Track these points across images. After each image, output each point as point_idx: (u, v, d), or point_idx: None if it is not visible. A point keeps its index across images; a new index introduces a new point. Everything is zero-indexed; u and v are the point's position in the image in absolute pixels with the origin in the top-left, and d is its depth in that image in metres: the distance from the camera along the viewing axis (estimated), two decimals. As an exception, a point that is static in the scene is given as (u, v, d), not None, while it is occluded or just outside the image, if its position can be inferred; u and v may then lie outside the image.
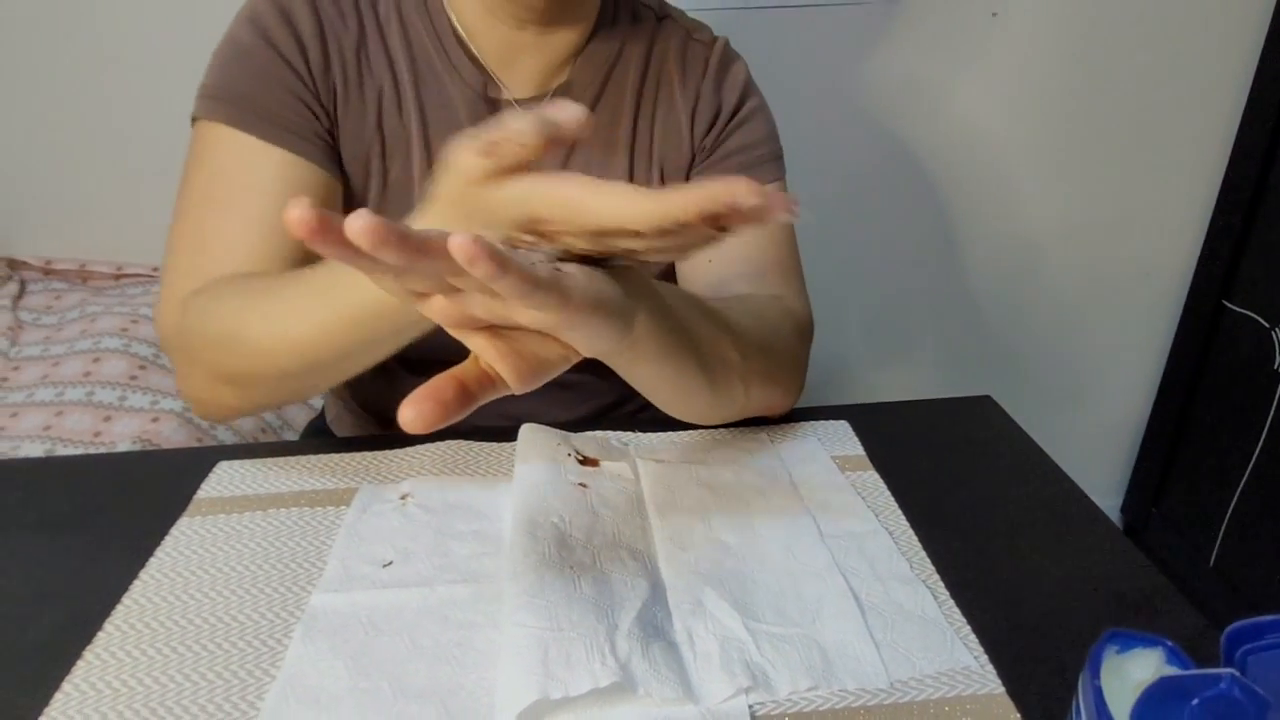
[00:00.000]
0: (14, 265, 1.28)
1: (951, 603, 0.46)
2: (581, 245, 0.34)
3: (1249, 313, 1.31)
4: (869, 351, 1.49)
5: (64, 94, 1.22)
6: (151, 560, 0.49)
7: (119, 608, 0.46)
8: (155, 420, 1.01)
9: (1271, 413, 1.26)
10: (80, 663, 0.42)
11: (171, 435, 1.00)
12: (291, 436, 1.15)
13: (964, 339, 1.49)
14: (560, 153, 0.65)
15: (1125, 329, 1.50)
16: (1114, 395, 1.56)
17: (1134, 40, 1.27)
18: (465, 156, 0.34)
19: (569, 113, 0.32)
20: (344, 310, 0.46)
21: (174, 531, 0.52)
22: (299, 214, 0.28)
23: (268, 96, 0.58)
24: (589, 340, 0.36)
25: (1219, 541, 1.38)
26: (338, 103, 0.61)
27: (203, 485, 0.56)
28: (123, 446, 0.97)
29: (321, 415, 0.85)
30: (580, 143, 0.64)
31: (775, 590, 0.46)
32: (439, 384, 0.33)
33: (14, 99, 1.21)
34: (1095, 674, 0.32)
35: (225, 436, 1.06)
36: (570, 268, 0.34)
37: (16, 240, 1.31)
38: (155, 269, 1.29)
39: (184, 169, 0.60)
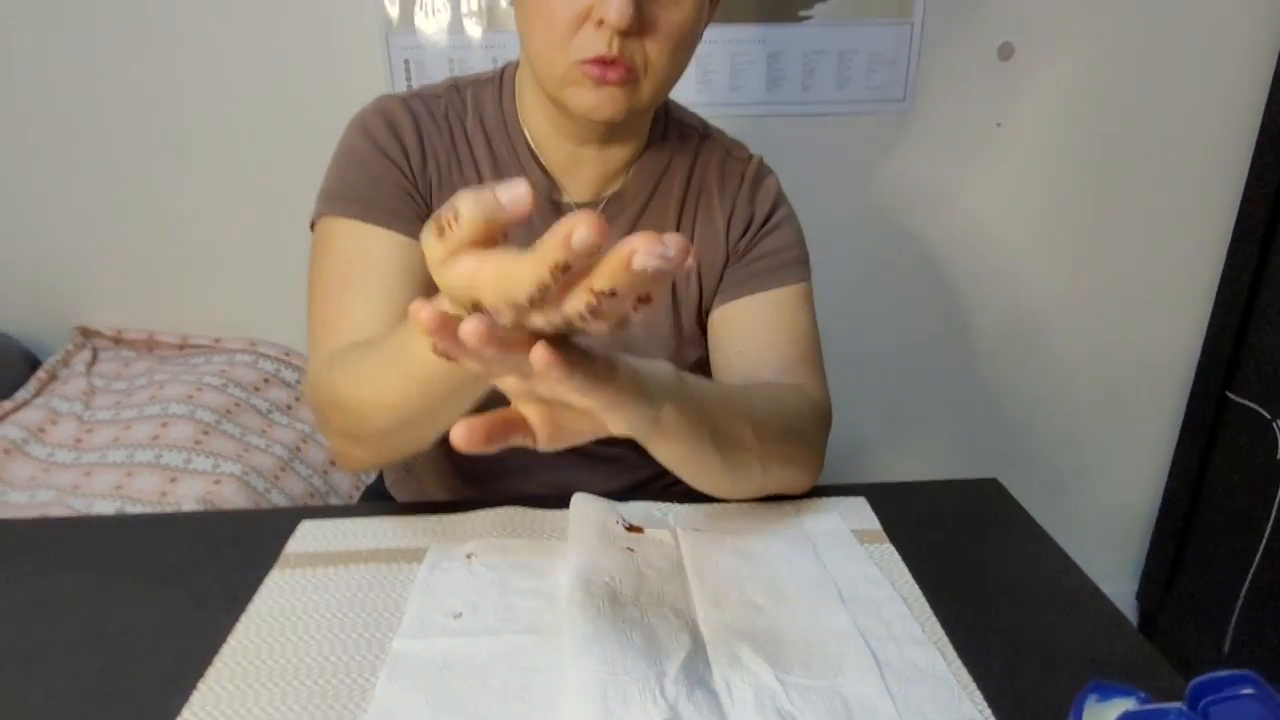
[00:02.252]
0: (87, 334, 1.38)
1: (959, 662, 0.51)
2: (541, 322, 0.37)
3: (1250, 403, 1.37)
4: (887, 433, 1.55)
5: (137, 180, 1.33)
6: (250, 607, 0.56)
7: (224, 648, 0.52)
8: (217, 483, 1.08)
9: (1276, 502, 1.31)
10: (195, 694, 0.49)
11: (231, 497, 1.07)
12: (337, 501, 1.22)
13: (977, 423, 1.55)
14: (615, 240, 0.74)
15: (1133, 417, 1.55)
16: (1125, 481, 1.61)
17: (1131, 146, 1.37)
18: (425, 238, 0.37)
19: (512, 192, 0.34)
20: (412, 372, 0.50)
21: (268, 582, 0.58)
22: (427, 314, 0.35)
23: (380, 192, 0.68)
24: (622, 421, 0.44)
25: (1231, 629, 1.40)
26: (434, 195, 0.71)
27: (290, 541, 0.63)
28: (187, 506, 1.04)
29: (379, 481, 0.93)
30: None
31: (802, 647, 0.52)
32: (491, 418, 0.42)
33: (93, 183, 1.32)
34: (1078, 718, 0.38)
35: (279, 500, 1.13)
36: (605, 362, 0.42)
37: (89, 310, 1.41)
38: (216, 340, 1.38)
39: (312, 260, 0.69)
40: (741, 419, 0.58)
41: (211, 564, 0.61)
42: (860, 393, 1.49)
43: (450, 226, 0.35)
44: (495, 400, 0.46)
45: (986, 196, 1.40)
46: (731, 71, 1.30)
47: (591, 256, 0.33)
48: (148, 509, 1.04)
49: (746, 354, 0.72)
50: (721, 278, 0.75)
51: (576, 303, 0.34)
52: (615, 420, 0.44)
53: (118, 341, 1.39)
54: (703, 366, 0.78)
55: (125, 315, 1.42)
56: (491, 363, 0.38)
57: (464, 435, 0.40)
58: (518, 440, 0.43)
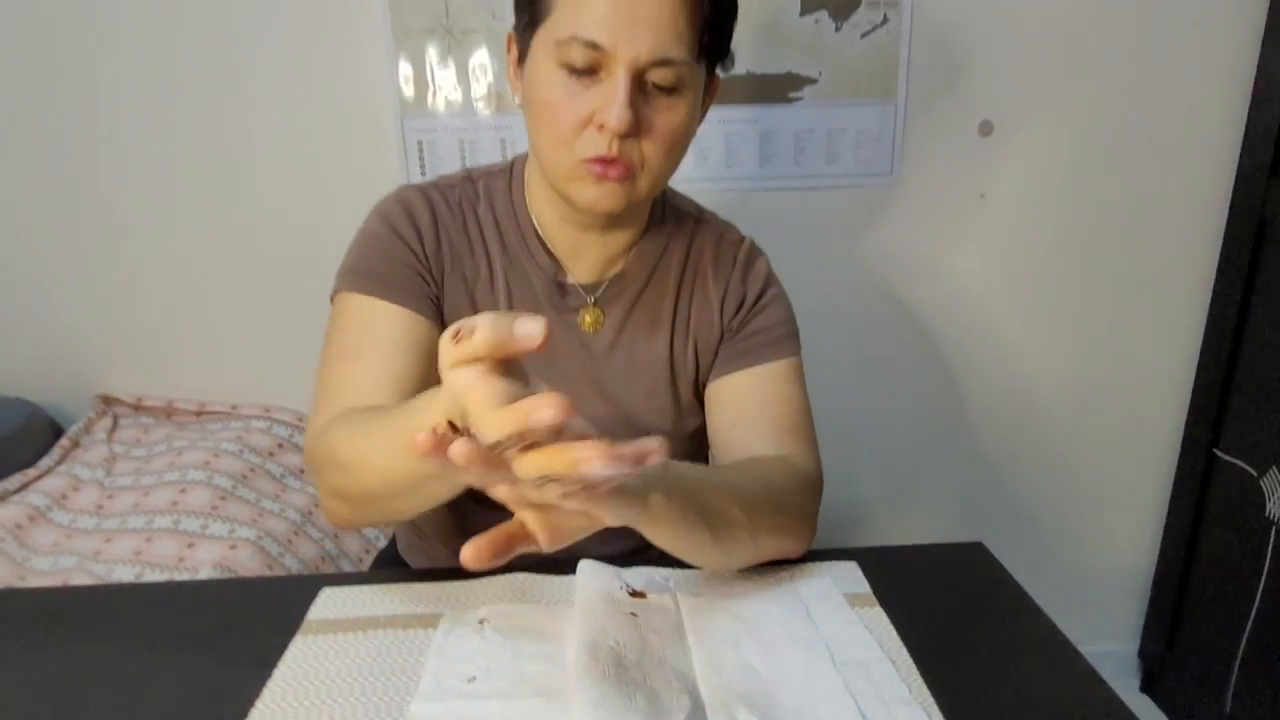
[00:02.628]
0: (108, 401, 1.43)
1: (944, 722, 0.54)
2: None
3: (1237, 461, 1.40)
4: (883, 496, 1.58)
5: (157, 253, 1.39)
6: (275, 672, 0.59)
7: (252, 712, 0.56)
8: (233, 547, 1.12)
9: (1268, 558, 1.33)
10: (226, 756, 0.52)
11: (247, 562, 1.11)
12: (348, 565, 1.25)
13: (973, 485, 1.58)
14: (614, 327, 0.79)
15: (1125, 477, 1.59)
16: (1121, 540, 1.63)
17: (1110, 214, 1.44)
18: (443, 339, 0.42)
19: (527, 327, 0.39)
20: (407, 449, 0.55)
21: (292, 647, 0.62)
22: (421, 438, 0.40)
23: (393, 271, 0.74)
24: (613, 515, 0.49)
25: (1232, 686, 1.41)
26: (445, 275, 0.76)
27: (312, 608, 0.67)
28: (204, 572, 1.07)
29: (392, 545, 0.96)
30: (632, 318, 0.79)
31: (795, 708, 0.55)
32: (493, 535, 0.46)
33: (114, 256, 1.39)
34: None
35: (292, 564, 1.16)
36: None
37: (110, 378, 1.46)
38: (233, 406, 1.43)
39: (328, 329, 0.75)
40: (728, 497, 0.63)
41: (236, 630, 0.65)
42: (855, 455, 1.53)
43: (466, 338, 0.40)
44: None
45: (973, 264, 1.46)
46: (727, 149, 1.38)
47: (553, 432, 0.39)
48: (166, 574, 1.07)
49: (740, 425, 0.76)
50: (717, 353, 0.80)
51: (528, 469, 0.40)
52: (607, 515, 0.49)
53: (138, 409, 1.44)
54: (701, 435, 0.82)
55: (145, 383, 1.47)
56: (482, 475, 0.43)
57: (472, 555, 0.45)
58: (522, 549, 0.47)
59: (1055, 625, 0.66)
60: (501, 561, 0.46)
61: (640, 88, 0.66)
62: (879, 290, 1.46)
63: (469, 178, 0.81)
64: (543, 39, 0.67)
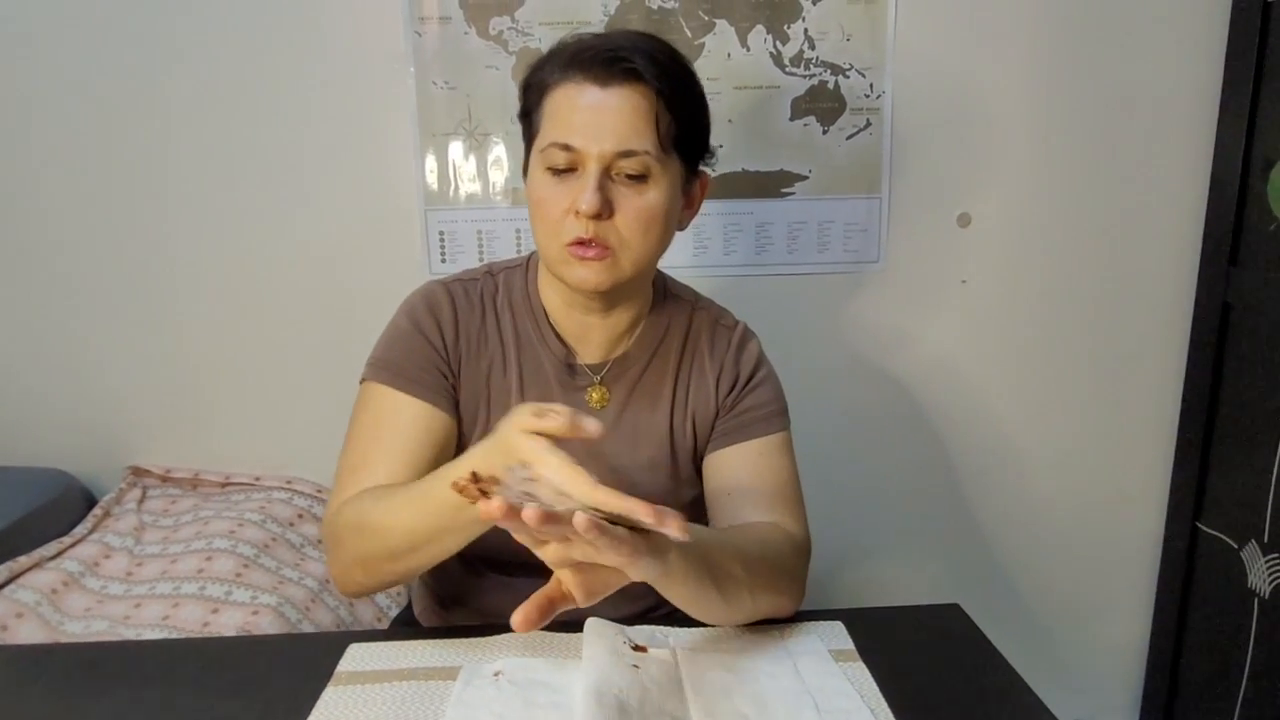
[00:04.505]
0: (138, 473, 1.51)
1: (917, 765, 0.60)
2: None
3: (1218, 534, 1.45)
4: (869, 563, 1.63)
5: (187, 332, 1.49)
6: (310, 717, 0.65)
7: (290, 753, 0.61)
8: (255, 613, 1.18)
9: (1253, 630, 1.37)
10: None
11: (268, 627, 1.16)
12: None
13: (959, 558, 1.63)
14: (619, 403, 0.87)
15: (1112, 553, 1.63)
16: (1115, 615, 1.66)
17: (1084, 298, 1.53)
18: (525, 408, 0.59)
19: (591, 426, 0.58)
20: (430, 504, 0.68)
21: (325, 696, 0.68)
22: (496, 506, 0.50)
23: (415, 367, 0.83)
24: (640, 572, 0.57)
25: (1228, 759, 1.42)
26: (462, 366, 0.85)
27: (341, 661, 0.73)
28: (227, 635, 1.13)
29: (408, 609, 1.02)
30: (635, 395, 0.87)
31: (783, 751, 0.61)
32: (537, 600, 0.55)
33: (146, 334, 1.49)
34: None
35: (308, 629, 1.21)
36: (623, 531, 0.55)
37: (140, 450, 1.54)
38: (256, 478, 1.51)
39: (353, 413, 0.84)
40: (733, 558, 0.70)
41: (269, 681, 0.71)
42: (844, 523, 1.59)
43: (548, 416, 0.57)
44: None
45: (955, 345, 1.55)
46: (725, 239, 1.49)
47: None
48: (191, 638, 1.12)
49: (734, 493, 0.84)
50: (713, 428, 0.88)
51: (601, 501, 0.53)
52: (634, 571, 0.57)
53: (165, 480, 1.51)
54: (698, 504, 0.89)
55: (174, 454, 1.54)
56: (542, 533, 0.52)
57: (522, 620, 0.54)
58: (562, 608, 0.55)
59: (1025, 682, 0.71)
60: (546, 622, 0.56)
61: (610, 178, 0.77)
62: (867, 366, 1.55)
63: (490, 272, 0.91)
64: (535, 150, 0.80)
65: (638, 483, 0.86)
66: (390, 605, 1.40)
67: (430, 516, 0.69)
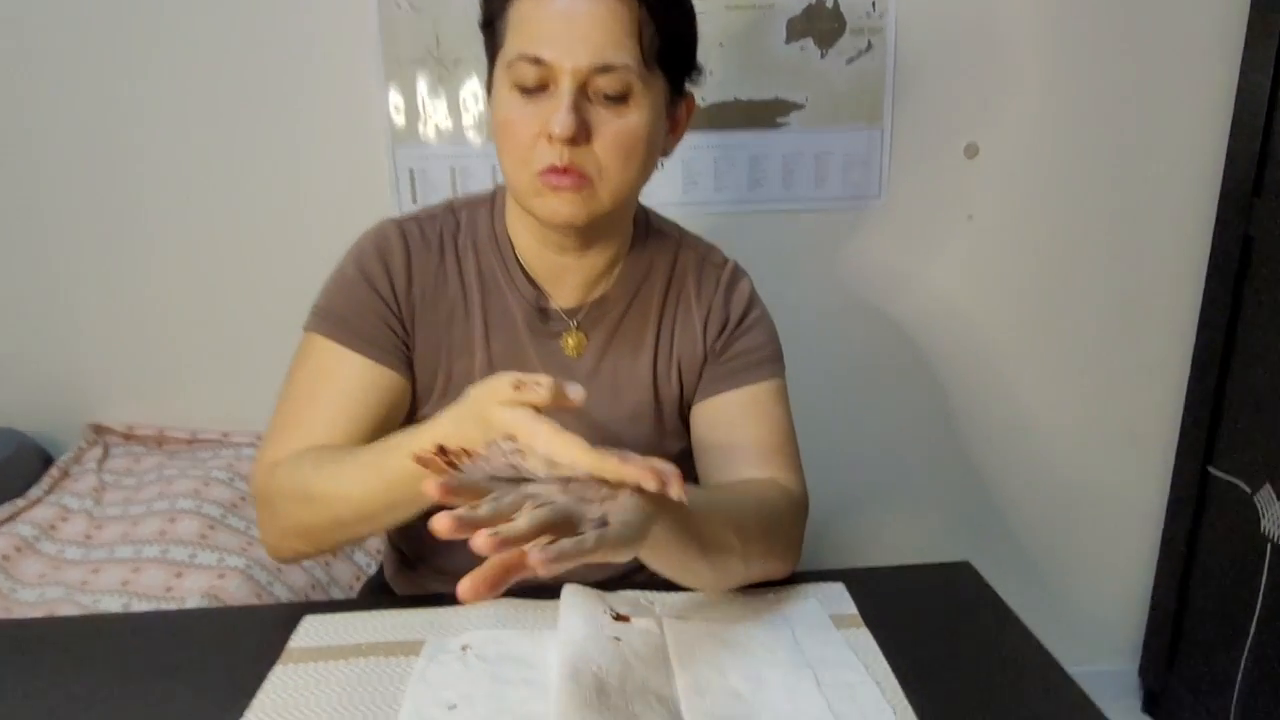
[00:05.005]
0: (99, 431, 1.43)
1: (929, 746, 0.54)
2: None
3: (1231, 478, 1.40)
4: (869, 516, 1.57)
5: (148, 280, 1.40)
6: (254, 702, 0.59)
7: (230, 742, 0.55)
8: (221, 576, 1.11)
9: (1264, 575, 1.32)
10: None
11: (235, 591, 1.10)
12: (338, 593, 1.24)
13: (961, 505, 1.58)
14: (597, 350, 0.79)
15: (1120, 496, 1.58)
16: (1118, 560, 1.62)
17: (1095, 232, 1.45)
18: (502, 380, 0.54)
19: (575, 393, 0.53)
20: (385, 475, 0.63)
21: (271, 676, 0.61)
22: (444, 525, 0.45)
23: (360, 321, 0.75)
24: (616, 560, 0.50)
25: (1234, 706, 1.39)
26: (416, 315, 0.76)
27: (293, 636, 0.66)
28: (192, 601, 1.06)
29: (380, 573, 0.96)
30: (614, 341, 0.79)
31: (779, 733, 0.54)
32: (491, 568, 0.46)
33: (105, 285, 1.40)
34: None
35: (281, 593, 1.15)
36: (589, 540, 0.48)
37: (101, 407, 1.46)
38: (225, 434, 1.43)
39: (293, 362, 0.76)
40: (724, 523, 0.63)
41: (217, 660, 0.65)
42: (843, 475, 1.53)
43: (529, 388, 0.52)
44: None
45: (960, 283, 1.47)
46: (716, 173, 1.39)
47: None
48: (153, 604, 1.06)
49: (725, 447, 0.76)
50: (701, 375, 0.81)
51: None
52: (612, 559, 0.50)
53: (129, 438, 1.44)
54: (685, 457, 0.82)
55: (137, 411, 1.46)
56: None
57: (469, 590, 0.45)
58: (518, 577, 0.47)
59: (1043, 646, 0.65)
60: (498, 593, 0.47)
61: (587, 97, 0.67)
62: (867, 309, 1.47)
63: (451, 208, 0.81)
64: (499, 66, 0.70)
65: (619, 436, 0.79)
66: (370, 563, 1.34)
67: (386, 488, 0.64)
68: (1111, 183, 1.43)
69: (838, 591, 0.71)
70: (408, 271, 0.77)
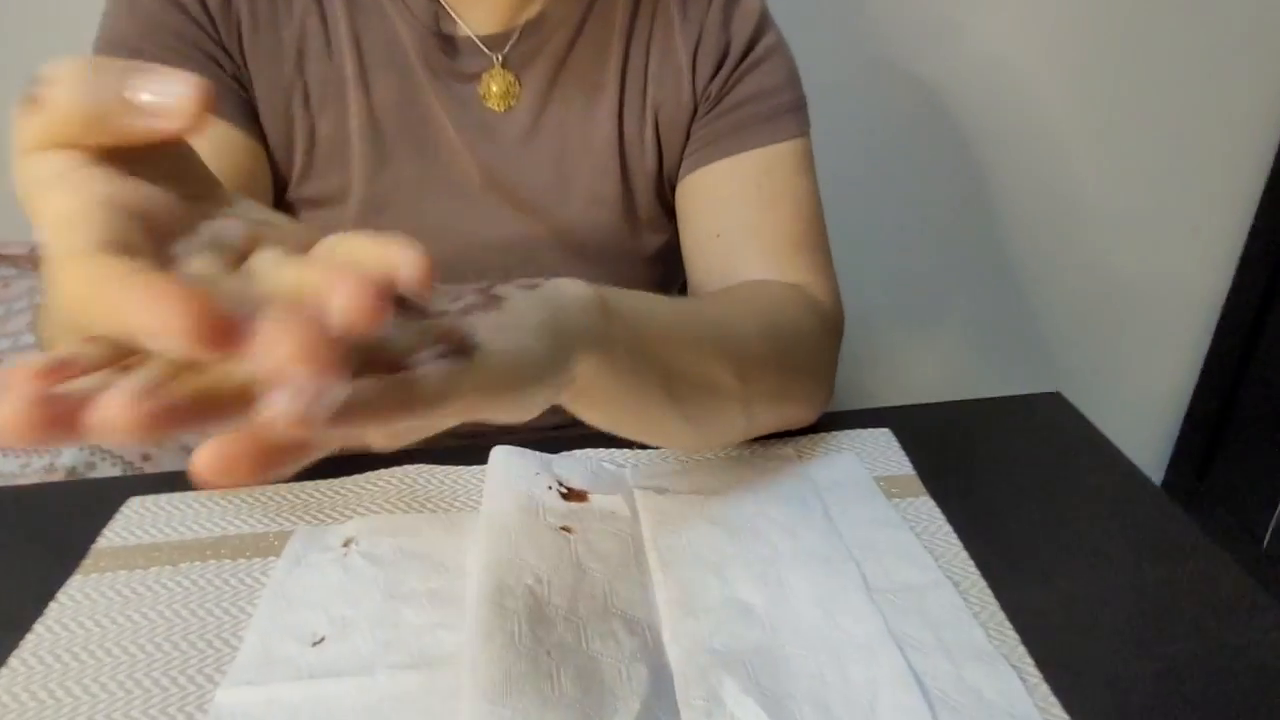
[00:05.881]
0: (-43, 251, 1.18)
1: (1045, 687, 0.35)
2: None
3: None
4: (891, 326, 1.37)
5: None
6: (27, 639, 0.39)
7: (-23, 705, 0.36)
8: (104, 423, 0.91)
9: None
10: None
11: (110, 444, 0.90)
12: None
13: (999, 303, 1.37)
14: (534, 100, 0.53)
15: (1174, 292, 1.38)
16: (1158, 363, 1.45)
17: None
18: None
19: (180, 87, 0.20)
20: None
21: (60, 597, 0.41)
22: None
23: (158, 48, 0.47)
24: (503, 416, 0.26)
25: (1273, 524, 1.27)
26: (244, 44, 0.50)
27: (104, 532, 0.46)
28: (66, 456, 0.87)
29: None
30: (560, 84, 0.53)
31: (813, 673, 0.35)
32: (251, 439, 0.20)
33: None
34: None
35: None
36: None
37: (-39, 223, 1.20)
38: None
39: None
40: (711, 353, 0.40)
41: (18, 556, 0.45)
42: (864, 282, 1.30)
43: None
44: None
45: (1009, 39, 1.16)
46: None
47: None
48: (18, 461, 0.87)
49: (727, 235, 0.53)
50: (689, 134, 0.55)
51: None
52: (489, 417, 0.25)
53: (-6, 258, 1.19)
54: (667, 256, 0.58)
55: (5, 226, 1.21)
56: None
57: (205, 464, 0.19)
58: (316, 455, 0.23)
59: (1181, 512, 0.45)
60: (282, 474, 0.22)
61: None
62: (894, 71, 1.17)
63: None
64: None
65: (569, 227, 0.55)
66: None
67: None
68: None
69: (884, 441, 0.50)
70: None
